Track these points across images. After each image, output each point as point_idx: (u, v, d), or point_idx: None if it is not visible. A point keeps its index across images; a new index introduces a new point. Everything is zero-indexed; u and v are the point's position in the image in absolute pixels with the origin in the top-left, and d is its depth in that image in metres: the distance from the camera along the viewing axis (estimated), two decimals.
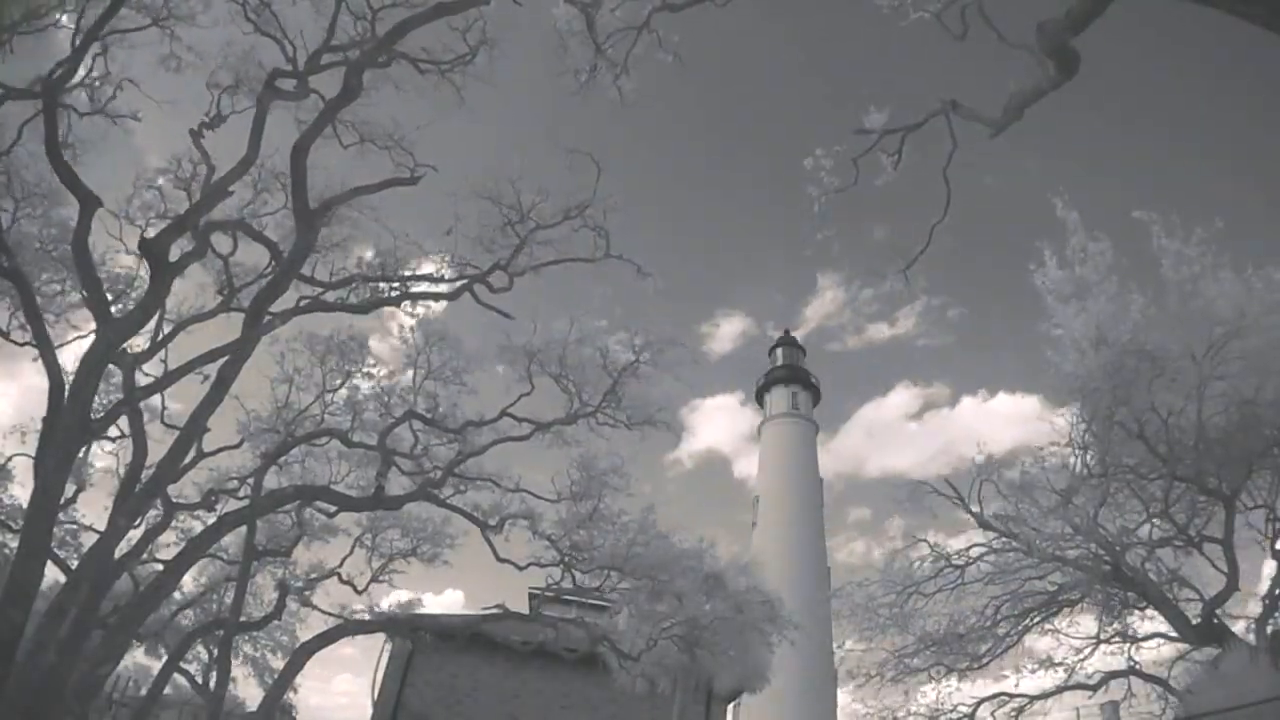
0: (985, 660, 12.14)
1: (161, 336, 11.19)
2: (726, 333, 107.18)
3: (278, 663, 16.65)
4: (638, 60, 7.83)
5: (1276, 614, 9.64)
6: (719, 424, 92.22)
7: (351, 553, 14.76)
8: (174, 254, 9.49)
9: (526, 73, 20.43)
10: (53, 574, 10.16)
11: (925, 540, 12.34)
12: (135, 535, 10.51)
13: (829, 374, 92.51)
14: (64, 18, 8.63)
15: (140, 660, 17.28)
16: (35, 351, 9.09)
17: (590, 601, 16.00)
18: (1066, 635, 11.95)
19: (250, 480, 12.36)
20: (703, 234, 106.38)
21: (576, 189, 11.43)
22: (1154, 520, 10.52)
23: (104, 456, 13.17)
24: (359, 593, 14.65)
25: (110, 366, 9.59)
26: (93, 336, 9.04)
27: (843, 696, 23.15)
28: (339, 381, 13.12)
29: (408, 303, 12.18)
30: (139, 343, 10.67)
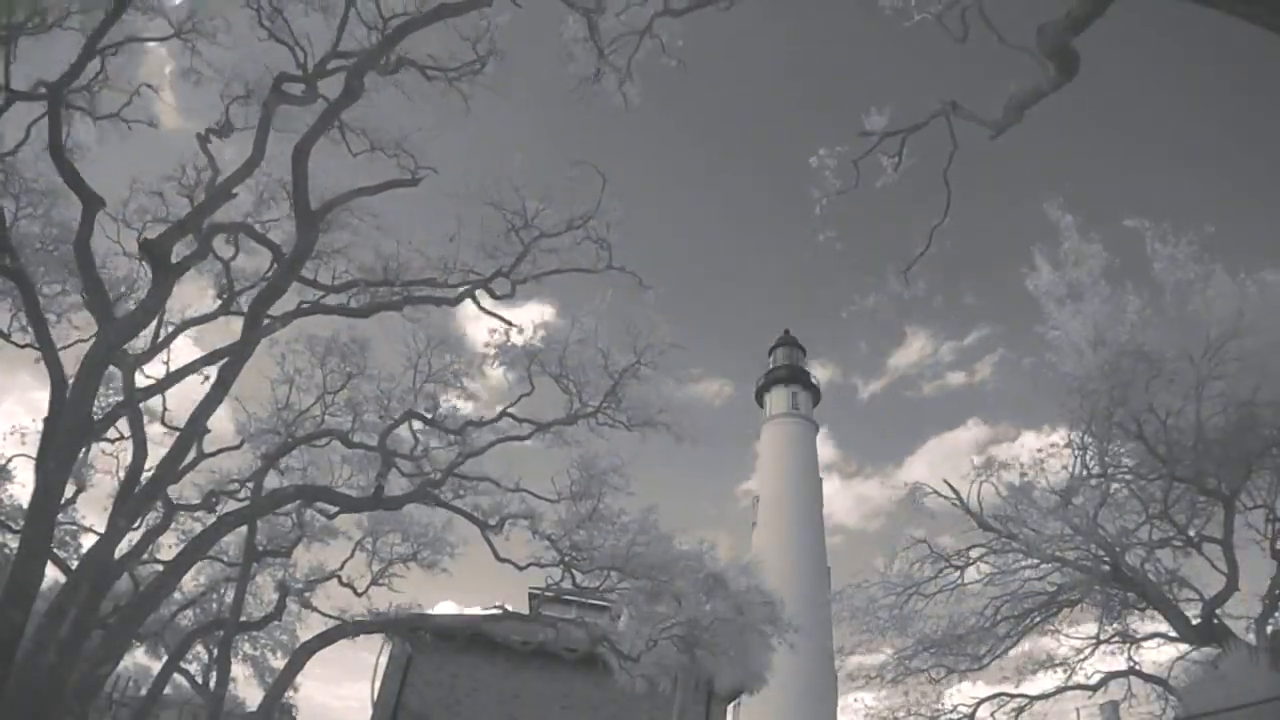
0: (985, 661, 12.17)
1: (162, 338, 11.20)
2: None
3: (278, 663, 16.65)
4: (641, 65, 7.85)
5: (1276, 614, 9.66)
6: None
7: (352, 556, 14.78)
8: (175, 256, 9.50)
9: (529, 75, 20.43)
10: (53, 574, 10.16)
11: (925, 541, 12.37)
12: (135, 536, 10.49)
13: (902, 415, 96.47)
14: (69, 18, 8.62)
15: (140, 660, 17.31)
16: (35, 352, 9.10)
17: (590, 602, 15.98)
18: (1066, 636, 12.02)
19: (250, 481, 12.36)
20: (796, 284, 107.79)
21: (591, 197, 11.33)
22: (1153, 521, 10.54)
23: (104, 457, 13.14)
24: (359, 595, 14.67)
25: (111, 367, 9.59)
26: (94, 338, 9.05)
27: (845, 698, 23.15)
28: (340, 383, 13.12)
29: (409, 307, 12.18)
30: (140, 344, 10.67)
